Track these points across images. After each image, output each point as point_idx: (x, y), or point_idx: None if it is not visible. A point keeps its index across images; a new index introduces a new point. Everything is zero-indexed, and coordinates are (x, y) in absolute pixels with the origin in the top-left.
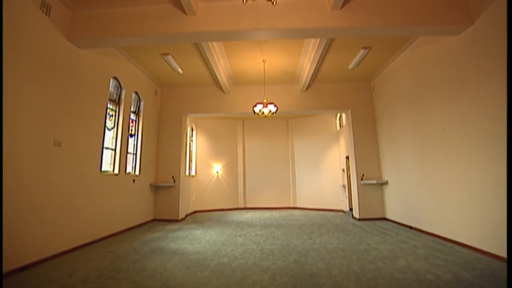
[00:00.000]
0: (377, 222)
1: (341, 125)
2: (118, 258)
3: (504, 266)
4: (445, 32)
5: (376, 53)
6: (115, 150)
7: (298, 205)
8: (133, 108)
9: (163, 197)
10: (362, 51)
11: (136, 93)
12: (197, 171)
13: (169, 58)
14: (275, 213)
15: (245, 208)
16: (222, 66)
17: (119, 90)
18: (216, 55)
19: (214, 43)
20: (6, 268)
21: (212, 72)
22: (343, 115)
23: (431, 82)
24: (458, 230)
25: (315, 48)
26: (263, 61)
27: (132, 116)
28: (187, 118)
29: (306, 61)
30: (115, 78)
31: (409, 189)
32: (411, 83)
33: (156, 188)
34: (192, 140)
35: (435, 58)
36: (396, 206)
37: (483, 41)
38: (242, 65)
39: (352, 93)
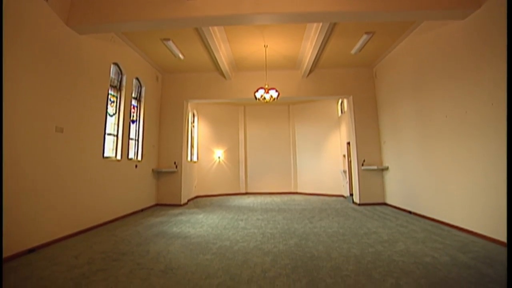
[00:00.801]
0: (377, 207)
1: (343, 111)
2: (122, 241)
3: (499, 249)
4: (450, 17)
5: (379, 39)
6: (117, 136)
7: (299, 190)
8: (134, 94)
9: (166, 182)
10: (364, 36)
11: (137, 79)
12: (199, 157)
13: (170, 43)
14: (276, 198)
15: (246, 193)
16: (223, 52)
17: (120, 76)
18: (217, 40)
19: (215, 28)
20: (14, 250)
21: (213, 57)
22: (345, 101)
23: (434, 68)
24: (456, 214)
25: (317, 33)
26: (264, 46)
27: (134, 102)
28: (189, 104)
29: (308, 46)
30: (115, 64)
31: (409, 174)
32: (414, 68)
33: (158, 173)
34: (193, 126)
35: (438, 44)
36: (396, 191)
37: (489, 26)
38: (244, 51)
39: (354, 79)
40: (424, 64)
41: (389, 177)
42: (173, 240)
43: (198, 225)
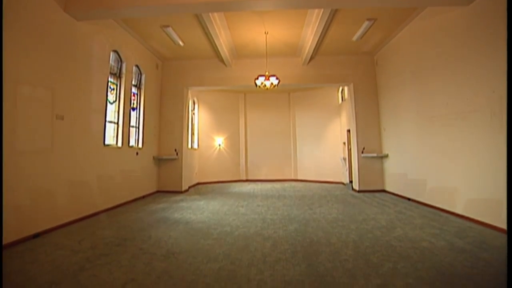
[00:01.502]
0: (376, 194)
1: (343, 99)
2: (124, 227)
3: (495, 234)
4: (454, 2)
5: (381, 25)
6: (117, 123)
7: (299, 177)
8: (134, 81)
9: (166, 169)
10: (366, 23)
11: (137, 66)
12: (199, 144)
13: (169, 30)
14: (276, 185)
15: (246, 180)
16: (223, 39)
17: (120, 63)
18: (217, 27)
19: (215, 14)
20: (20, 235)
21: (214, 44)
22: (345, 88)
23: (436, 54)
24: (454, 201)
25: (318, 20)
26: (265, 33)
27: (134, 90)
28: (189, 91)
29: (309, 33)
30: (115, 51)
31: (409, 162)
32: (415, 55)
33: (159, 160)
34: (194, 114)
35: (441, 30)
36: (395, 179)
37: (493, 12)
38: (244, 37)
39: (355, 66)
40: (426, 51)
41: (388, 164)
42: (174, 226)
43: (199, 211)
